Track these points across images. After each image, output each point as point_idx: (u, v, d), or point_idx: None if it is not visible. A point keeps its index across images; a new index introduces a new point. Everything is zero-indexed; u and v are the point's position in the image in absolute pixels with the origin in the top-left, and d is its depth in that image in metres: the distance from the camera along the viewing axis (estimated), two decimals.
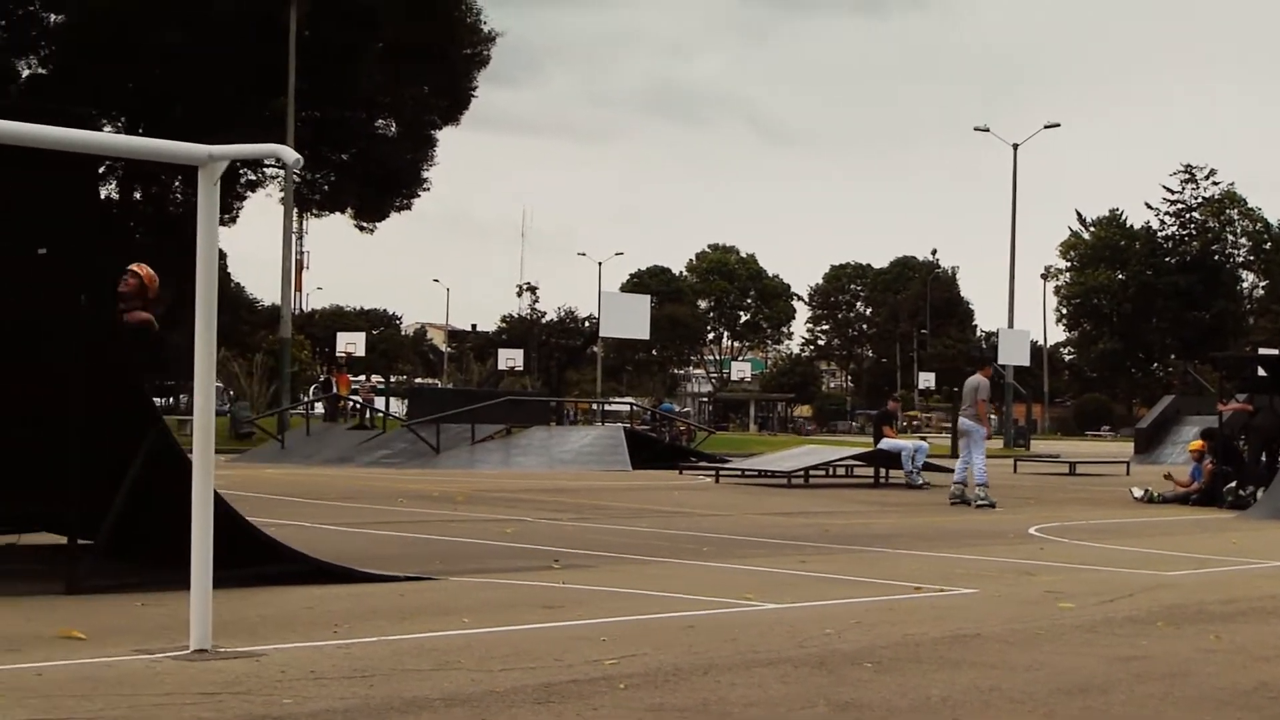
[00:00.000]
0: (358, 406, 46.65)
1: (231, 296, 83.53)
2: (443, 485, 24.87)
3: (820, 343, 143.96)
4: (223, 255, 70.48)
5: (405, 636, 8.36)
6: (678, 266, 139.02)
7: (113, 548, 10.14)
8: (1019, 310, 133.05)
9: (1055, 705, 6.87)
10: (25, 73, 50.90)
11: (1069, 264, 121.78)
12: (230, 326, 70.12)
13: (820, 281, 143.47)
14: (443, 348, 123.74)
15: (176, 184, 53.18)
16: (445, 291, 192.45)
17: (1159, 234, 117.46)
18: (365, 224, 61.10)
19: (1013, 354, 58.36)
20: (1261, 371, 26.86)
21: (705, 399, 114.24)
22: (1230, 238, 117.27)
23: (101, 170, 45.66)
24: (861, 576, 12.24)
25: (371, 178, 55.87)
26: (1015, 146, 67.38)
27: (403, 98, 54.87)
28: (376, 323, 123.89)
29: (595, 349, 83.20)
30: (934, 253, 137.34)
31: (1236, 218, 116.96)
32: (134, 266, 12.01)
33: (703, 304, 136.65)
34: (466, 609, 9.60)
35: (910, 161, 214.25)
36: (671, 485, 27.14)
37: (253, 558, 10.39)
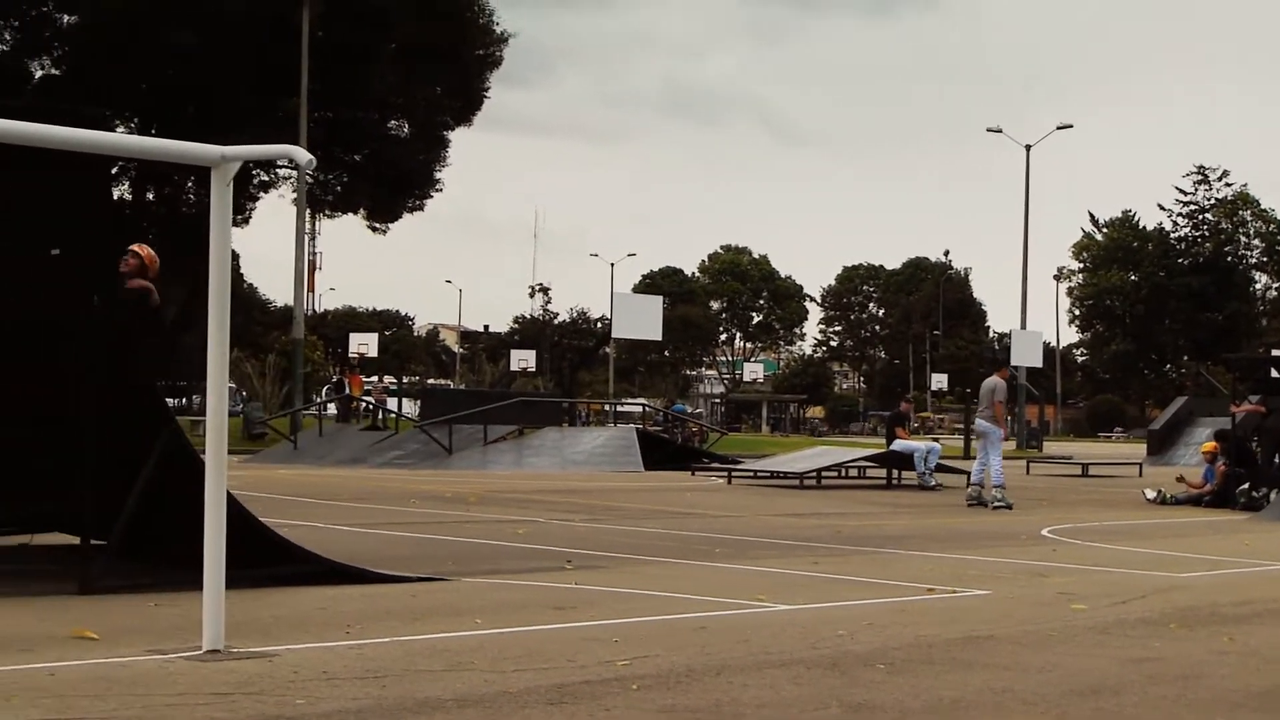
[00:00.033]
0: (370, 407, 46.70)
1: (244, 297, 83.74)
2: (455, 486, 24.88)
3: (833, 344, 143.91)
4: (236, 256, 70.66)
5: (418, 637, 8.36)
6: (690, 267, 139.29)
7: (126, 548, 10.15)
8: (1032, 311, 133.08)
9: (1068, 707, 6.86)
10: (38, 73, 51.00)
11: (1081, 265, 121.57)
12: (243, 327, 70.28)
13: (833, 282, 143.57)
14: (455, 349, 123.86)
15: (189, 185, 53.22)
16: (458, 292, 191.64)
17: (1172, 235, 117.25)
18: (378, 225, 61.15)
19: (1025, 355, 58.31)
20: (1275, 373, 26.78)
21: (717, 400, 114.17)
22: (1243, 239, 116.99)
23: (114, 171, 45.71)
24: (874, 578, 12.23)
25: (384, 178, 55.88)
26: (1028, 148, 67.32)
27: (415, 99, 54.89)
28: (389, 323, 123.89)
29: (607, 350, 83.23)
30: (946, 254, 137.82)
31: (1249, 219, 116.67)
32: (134, 247, 12.05)
33: (715, 305, 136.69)
34: (479, 610, 9.60)
35: (923, 162, 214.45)
36: (684, 486, 27.13)
37: (265, 558, 10.40)
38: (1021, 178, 67.18)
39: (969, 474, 23.58)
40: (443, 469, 31.87)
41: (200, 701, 6.47)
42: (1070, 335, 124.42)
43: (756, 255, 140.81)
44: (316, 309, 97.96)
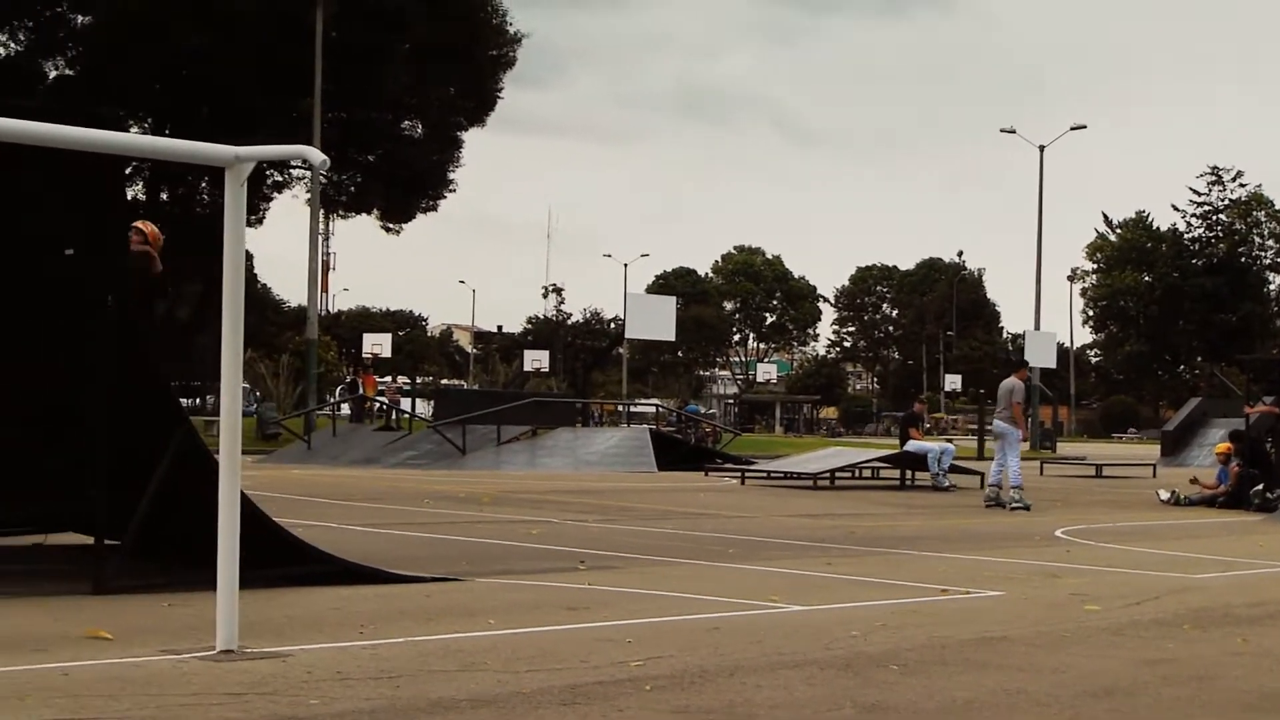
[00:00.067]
0: (384, 408, 46.74)
1: (258, 297, 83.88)
2: (468, 486, 24.90)
3: (846, 344, 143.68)
4: (250, 256, 70.80)
5: (431, 637, 8.37)
6: (703, 268, 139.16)
7: (140, 548, 10.16)
8: (1045, 312, 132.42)
9: (1081, 708, 6.85)
10: (52, 74, 51.12)
11: (1095, 266, 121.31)
12: (257, 327, 70.38)
13: (846, 283, 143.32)
14: (468, 349, 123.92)
15: (203, 185, 53.32)
16: (471, 293, 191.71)
17: (1185, 236, 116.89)
18: (391, 225, 61.22)
19: (1039, 356, 58.18)
20: None
21: (731, 400, 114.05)
22: (1257, 239, 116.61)
23: (128, 171, 45.79)
24: (887, 579, 12.22)
25: (397, 179, 55.94)
26: (1041, 148, 67.23)
27: (429, 99, 54.93)
28: (402, 324, 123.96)
29: (621, 350, 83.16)
30: (960, 254, 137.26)
31: (1264, 219, 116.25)
32: (138, 224, 12.01)
33: (728, 305, 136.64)
34: (492, 610, 9.61)
35: (936, 163, 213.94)
36: (697, 487, 27.13)
37: (279, 558, 10.41)
38: (1035, 178, 67.07)
39: (984, 475, 23.55)
40: (456, 469, 31.89)
41: (214, 702, 6.48)
42: (1084, 336, 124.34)
43: (770, 256, 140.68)
44: (330, 309, 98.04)
